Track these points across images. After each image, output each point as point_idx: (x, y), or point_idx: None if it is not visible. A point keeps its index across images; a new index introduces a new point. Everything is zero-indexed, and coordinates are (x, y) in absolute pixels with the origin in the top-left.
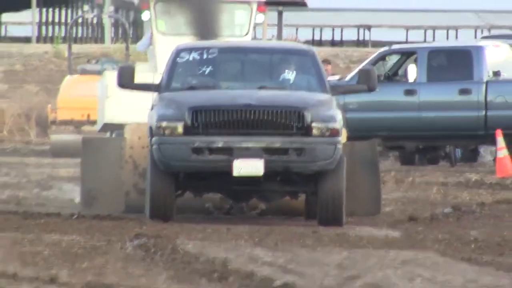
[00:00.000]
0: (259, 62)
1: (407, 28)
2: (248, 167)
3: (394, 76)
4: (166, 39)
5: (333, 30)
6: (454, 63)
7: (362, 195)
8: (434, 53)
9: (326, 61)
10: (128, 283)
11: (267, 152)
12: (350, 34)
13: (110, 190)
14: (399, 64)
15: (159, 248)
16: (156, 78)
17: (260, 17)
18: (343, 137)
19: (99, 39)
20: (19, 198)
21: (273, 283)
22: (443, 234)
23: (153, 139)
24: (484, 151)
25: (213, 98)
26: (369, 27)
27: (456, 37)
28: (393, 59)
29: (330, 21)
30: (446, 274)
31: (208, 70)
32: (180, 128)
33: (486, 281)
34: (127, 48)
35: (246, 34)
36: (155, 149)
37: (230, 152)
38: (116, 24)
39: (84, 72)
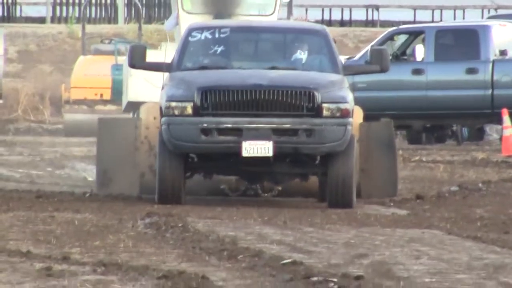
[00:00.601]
0: (271, 42)
1: (415, 8)
2: (257, 148)
3: (402, 56)
4: (192, 18)
5: (342, 10)
6: (461, 43)
7: (378, 177)
8: (442, 33)
9: None
10: (139, 261)
11: (276, 133)
12: (358, 14)
13: (125, 171)
14: (407, 44)
15: (170, 226)
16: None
17: None
18: (360, 117)
19: (113, 19)
20: (33, 177)
21: (282, 261)
22: (450, 212)
23: (163, 119)
24: (490, 130)
25: (223, 78)
26: (377, 7)
27: (463, 17)
28: (401, 39)
29: (339, 1)
30: (452, 252)
31: (219, 49)
32: (189, 109)
33: (491, 259)
34: (140, 28)
35: (272, 14)
36: (164, 130)
37: (239, 133)
38: (129, 5)
39: (97, 52)
